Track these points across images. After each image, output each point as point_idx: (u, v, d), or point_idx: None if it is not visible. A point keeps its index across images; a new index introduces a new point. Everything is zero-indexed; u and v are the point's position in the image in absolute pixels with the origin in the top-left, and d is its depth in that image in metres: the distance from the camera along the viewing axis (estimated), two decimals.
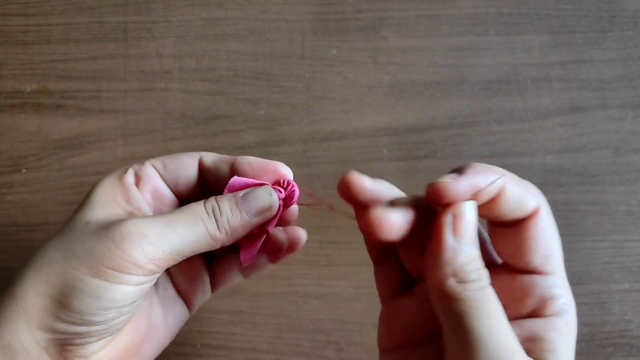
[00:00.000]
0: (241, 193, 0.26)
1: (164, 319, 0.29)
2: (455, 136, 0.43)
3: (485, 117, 0.43)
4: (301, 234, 0.30)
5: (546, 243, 0.23)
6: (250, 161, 0.27)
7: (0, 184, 0.43)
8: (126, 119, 0.44)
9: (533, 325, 0.23)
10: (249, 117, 0.43)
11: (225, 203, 0.26)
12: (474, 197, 0.21)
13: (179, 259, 0.25)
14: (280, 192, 0.27)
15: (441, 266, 0.21)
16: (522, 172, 0.42)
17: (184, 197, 0.29)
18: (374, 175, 0.42)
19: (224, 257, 0.31)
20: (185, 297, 0.30)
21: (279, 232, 0.29)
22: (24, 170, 0.43)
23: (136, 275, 0.24)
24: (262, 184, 0.27)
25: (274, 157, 0.43)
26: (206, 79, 0.44)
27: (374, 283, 0.27)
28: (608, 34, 0.44)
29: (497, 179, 0.21)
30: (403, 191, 0.45)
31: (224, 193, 0.27)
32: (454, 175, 0.21)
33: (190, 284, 0.30)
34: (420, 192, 0.43)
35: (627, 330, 0.40)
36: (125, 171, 0.27)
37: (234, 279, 0.31)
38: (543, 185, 0.42)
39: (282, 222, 0.29)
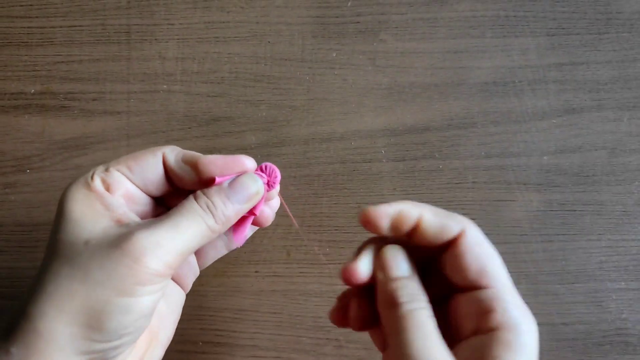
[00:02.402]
0: (226, 183, 0.28)
1: (167, 305, 0.31)
2: (452, 137, 0.43)
3: (482, 119, 0.43)
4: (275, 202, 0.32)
5: (477, 260, 0.25)
6: (214, 161, 0.28)
7: (4, 184, 0.43)
8: (129, 120, 0.44)
9: (477, 342, 0.24)
10: (250, 118, 0.44)
11: (216, 197, 0.27)
12: (394, 223, 0.26)
13: (188, 256, 0.26)
14: (263, 176, 0.29)
15: (380, 293, 0.25)
16: (519, 172, 0.42)
17: (155, 195, 0.29)
18: (372, 175, 0.43)
19: None
20: (178, 280, 0.32)
21: (265, 209, 0.31)
22: (27, 171, 0.43)
23: (157, 283, 0.25)
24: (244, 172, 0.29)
25: (275, 157, 0.43)
26: (208, 81, 0.44)
27: None
28: (604, 36, 0.44)
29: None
30: (401, 191, 0.46)
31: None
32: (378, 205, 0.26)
33: (180, 268, 0.31)
34: (419, 191, 0.44)
35: (623, 329, 0.41)
36: (91, 178, 0.27)
37: (220, 253, 0.33)
38: (539, 186, 0.42)
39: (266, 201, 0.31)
